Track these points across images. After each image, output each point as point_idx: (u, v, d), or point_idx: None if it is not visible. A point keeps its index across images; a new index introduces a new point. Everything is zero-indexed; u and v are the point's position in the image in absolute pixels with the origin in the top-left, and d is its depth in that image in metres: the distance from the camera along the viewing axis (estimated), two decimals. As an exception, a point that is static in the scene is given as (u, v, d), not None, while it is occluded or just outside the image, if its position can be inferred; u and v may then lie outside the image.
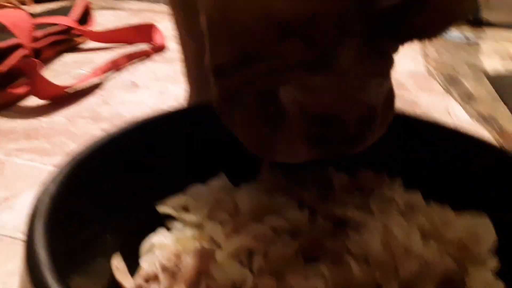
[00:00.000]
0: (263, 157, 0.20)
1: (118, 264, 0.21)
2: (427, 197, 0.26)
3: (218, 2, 0.18)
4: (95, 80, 0.54)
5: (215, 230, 0.23)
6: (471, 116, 0.49)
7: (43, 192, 0.17)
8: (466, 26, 0.96)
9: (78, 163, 0.20)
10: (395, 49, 0.19)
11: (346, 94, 0.17)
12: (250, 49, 0.18)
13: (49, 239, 0.15)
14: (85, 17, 0.72)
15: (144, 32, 0.69)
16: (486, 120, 0.48)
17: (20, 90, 0.47)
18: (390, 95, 0.20)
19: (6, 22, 0.47)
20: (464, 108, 0.51)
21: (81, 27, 0.65)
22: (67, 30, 0.64)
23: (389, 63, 0.19)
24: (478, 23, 0.95)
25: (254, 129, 0.20)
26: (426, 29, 0.17)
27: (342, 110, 0.17)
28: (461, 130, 0.26)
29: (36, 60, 0.48)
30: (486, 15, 0.95)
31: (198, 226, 0.24)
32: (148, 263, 0.21)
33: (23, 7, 0.78)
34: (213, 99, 0.22)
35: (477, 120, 0.48)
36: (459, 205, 0.24)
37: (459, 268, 0.20)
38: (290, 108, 0.18)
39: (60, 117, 0.45)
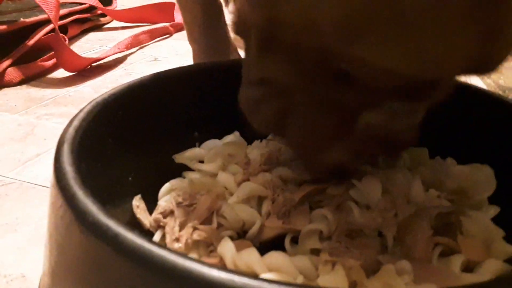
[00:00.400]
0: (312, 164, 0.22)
1: (138, 203, 0.22)
2: (434, 154, 0.26)
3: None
4: (118, 56, 0.56)
5: (227, 179, 0.25)
6: (488, 87, 0.48)
7: (69, 125, 0.19)
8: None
9: (103, 104, 0.21)
10: None
11: (409, 123, 0.20)
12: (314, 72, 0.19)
13: (75, 164, 0.16)
14: (109, -1, 0.74)
15: (165, 10, 0.71)
16: (504, 91, 0.47)
17: (49, 63, 0.50)
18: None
19: (36, -1, 0.49)
20: (482, 80, 0.50)
21: (103, 7, 0.68)
22: (91, 9, 0.67)
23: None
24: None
25: (312, 138, 0.21)
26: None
27: (402, 135, 0.20)
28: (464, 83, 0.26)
29: (63, 35, 0.51)
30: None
31: (212, 176, 0.26)
32: (165, 201, 0.22)
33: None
34: (247, 104, 0.22)
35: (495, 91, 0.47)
36: (466, 159, 0.25)
37: (457, 212, 0.20)
38: (365, 129, 0.20)
39: (86, 87, 0.48)
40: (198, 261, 0.11)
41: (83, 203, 0.13)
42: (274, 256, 0.18)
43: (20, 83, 0.47)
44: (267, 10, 0.17)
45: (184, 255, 0.12)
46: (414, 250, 0.17)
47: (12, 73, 0.46)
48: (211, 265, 0.11)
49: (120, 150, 0.23)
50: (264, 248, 0.20)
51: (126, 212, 0.23)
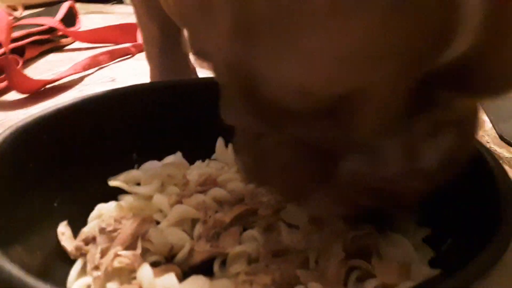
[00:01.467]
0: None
1: (63, 230, 0.22)
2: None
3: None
4: (75, 77, 0.56)
5: (161, 200, 0.24)
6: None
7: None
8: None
9: (24, 128, 0.21)
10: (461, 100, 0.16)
11: (405, 167, 0.15)
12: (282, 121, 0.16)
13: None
14: (72, 20, 0.74)
15: (128, 31, 0.70)
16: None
17: (0, 85, 0.49)
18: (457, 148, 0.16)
19: (-15, 20, 0.48)
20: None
21: (64, 28, 0.67)
22: (51, 30, 0.66)
23: (456, 112, 0.16)
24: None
25: (294, 181, 0.18)
26: (492, 84, 0.14)
27: (401, 184, 0.16)
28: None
29: (14, 56, 0.50)
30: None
31: (148, 199, 0.25)
32: (89, 227, 0.22)
33: (14, 12, 0.80)
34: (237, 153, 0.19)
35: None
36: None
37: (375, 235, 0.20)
38: (347, 177, 0.16)
39: (37, 109, 0.46)
40: None
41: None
42: (194, 281, 0.18)
43: None
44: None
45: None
46: (327, 273, 0.17)
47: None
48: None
49: (42, 175, 0.22)
50: (194, 272, 0.20)
51: (53, 240, 0.22)
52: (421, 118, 0.15)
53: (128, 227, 0.21)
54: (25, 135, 0.21)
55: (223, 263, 0.21)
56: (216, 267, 0.21)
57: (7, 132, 0.21)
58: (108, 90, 0.28)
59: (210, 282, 0.18)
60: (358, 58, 0.12)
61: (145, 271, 0.18)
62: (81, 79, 0.56)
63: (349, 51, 0.12)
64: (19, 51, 0.57)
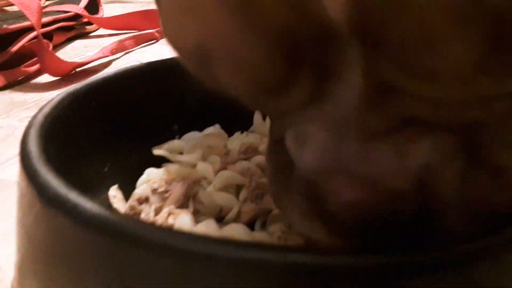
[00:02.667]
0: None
1: (115, 193, 0.22)
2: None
3: None
4: (103, 61, 0.57)
5: (206, 168, 0.25)
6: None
7: (38, 112, 0.19)
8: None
9: (75, 93, 0.21)
10: None
11: (335, 162, 0.11)
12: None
13: (41, 147, 0.16)
14: (95, 8, 0.75)
15: (151, 17, 0.71)
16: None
17: (33, 68, 0.50)
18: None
19: (18, 4, 0.49)
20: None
21: (88, 15, 0.68)
22: (76, 17, 0.67)
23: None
24: None
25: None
26: None
27: (327, 183, 0.11)
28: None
29: (46, 40, 0.51)
30: None
31: (192, 167, 0.26)
32: (141, 189, 0.22)
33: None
34: None
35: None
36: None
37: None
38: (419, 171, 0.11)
39: (69, 91, 0.47)
40: (157, 227, 0.11)
41: (44, 178, 0.13)
42: (234, 228, 0.18)
43: (3, 88, 0.47)
44: None
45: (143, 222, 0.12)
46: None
47: (-5, 78, 0.46)
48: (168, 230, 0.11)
49: (94, 140, 0.22)
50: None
51: (104, 203, 0.23)
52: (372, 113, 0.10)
53: (179, 187, 0.21)
54: (76, 101, 0.22)
55: (264, 225, 0.21)
56: (257, 226, 0.21)
57: (58, 97, 0.21)
58: (151, 62, 0.28)
59: (249, 231, 0.18)
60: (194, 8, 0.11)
61: (184, 218, 0.18)
62: (109, 63, 0.57)
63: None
64: (47, 37, 0.58)
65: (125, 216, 0.11)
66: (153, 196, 0.21)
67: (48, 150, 0.16)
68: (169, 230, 0.11)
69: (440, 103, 0.10)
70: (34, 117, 0.18)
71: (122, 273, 0.11)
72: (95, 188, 0.23)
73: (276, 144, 0.13)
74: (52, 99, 0.21)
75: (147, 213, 0.20)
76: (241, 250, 0.10)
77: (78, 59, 0.57)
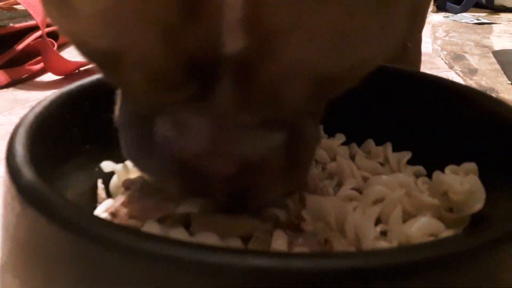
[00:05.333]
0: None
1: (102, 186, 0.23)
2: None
3: None
4: (106, 60, 0.57)
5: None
6: (471, 88, 0.49)
7: (29, 111, 0.19)
8: (480, 10, 0.94)
9: (68, 93, 0.22)
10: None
11: (214, 145, 0.14)
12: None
13: (28, 146, 0.17)
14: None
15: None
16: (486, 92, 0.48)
17: (37, 66, 0.51)
18: (295, 150, 0.16)
19: (24, 3, 0.50)
20: (465, 82, 0.51)
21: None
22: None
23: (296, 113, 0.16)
24: (491, 8, 0.94)
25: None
26: None
27: (207, 164, 0.15)
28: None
29: (51, 39, 0.51)
30: (501, 1, 0.93)
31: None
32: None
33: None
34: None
35: (477, 92, 0.48)
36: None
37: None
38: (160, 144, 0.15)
39: (71, 90, 0.48)
40: (128, 230, 0.11)
41: (25, 177, 0.14)
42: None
43: (7, 86, 0.47)
44: None
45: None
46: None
47: (-1, 76, 0.47)
48: (141, 234, 0.11)
49: (86, 140, 0.23)
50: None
51: (91, 203, 0.23)
52: (251, 107, 0.14)
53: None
54: (68, 101, 0.22)
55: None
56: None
57: (51, 97, 0.22)
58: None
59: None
60: (113, 18, 0.12)
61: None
62: (112, 63, 0.58)
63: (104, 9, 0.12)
64: (52, 36, 0.59)
65: (98, 218, 0.12)
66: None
67: (35, 150, 0.17)
68: (138, 233, 0.11)
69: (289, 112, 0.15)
70: (25, 116, 0.19)
71: (92, 274, 0.11)
72: (85, 188, 0.23)
73: (135, 116, 0.17)
74: (45, 98, 0.22)
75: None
76: (205, 254, 0.10)
77: (81, 59, 0.58)
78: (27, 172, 0.14)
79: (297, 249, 0.16)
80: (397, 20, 0.13)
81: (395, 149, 0.26)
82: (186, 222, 0.17)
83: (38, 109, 0.20)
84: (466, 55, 0.60)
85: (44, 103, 0.20)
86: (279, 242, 0.16)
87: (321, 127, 0.27)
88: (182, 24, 0.12)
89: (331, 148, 0.25)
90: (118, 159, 0.25)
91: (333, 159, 0.25)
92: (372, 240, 0.17)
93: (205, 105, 0.14)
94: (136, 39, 0.12)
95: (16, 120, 0.19)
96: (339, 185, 0.23)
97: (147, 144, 0.16)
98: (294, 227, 0.18)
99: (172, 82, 0.13)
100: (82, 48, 0.15)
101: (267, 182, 0.16)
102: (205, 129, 0.14)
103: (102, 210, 0.20)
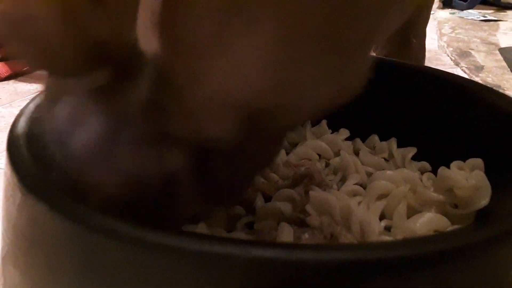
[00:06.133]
0: None
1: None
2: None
3: None
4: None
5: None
6: (477, 85, 0.48)
7: (30, 101, 0.19)
8: (486, 7, 0.93)
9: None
10: None
11: (104, 153, 0.13)
12: None
13: (29, 135, 0.16)
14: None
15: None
16: (492, 89, 0.47)
17: (39, 59, 0.51)
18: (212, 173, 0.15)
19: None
20: (470, 78, 0.50)
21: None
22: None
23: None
24: (498, 6, 0.93)
25: None
26: None
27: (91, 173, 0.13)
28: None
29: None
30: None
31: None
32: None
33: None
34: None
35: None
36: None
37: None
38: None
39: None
40: (128, 220, 0.11)
41: (26, 166, 0.13)
42: None
43: (8, 78, 0.47)
44: None
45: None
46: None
47: (0, 68, 0.47)
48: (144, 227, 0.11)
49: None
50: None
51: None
52: (147, 120, 0.13)
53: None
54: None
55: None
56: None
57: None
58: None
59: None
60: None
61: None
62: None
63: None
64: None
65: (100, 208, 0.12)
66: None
67: (36, 140, 0.17)
68: (139, 224, 0.11)
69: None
70: (26, 106, 0.18)
71: (93, 264, 0.11)
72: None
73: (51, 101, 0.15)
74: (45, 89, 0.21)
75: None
76: (206, 244, 0.10)
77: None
78: (29, 162, 0.14)
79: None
80: (350, 64, 0.12)
81: (400, 145, 0.25)
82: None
83: (38, 99, 0.19)
84: (472, 52, 0.59)
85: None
86: (285, 234, 0.16)
87: (325, 122, 0.27)
88: (84, 4, 0.11)
89: (335, 143, 0.25)
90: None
91: (337, 154, 0.25)
92: (377, 235, 0.17)
93: (112, 100, 0.13)
94: (33, 8, 0.11)
95: (17, 112, 0.18)
96: (343, 180, 0.23)
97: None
98: (299, 222, 0.18)
99: (72, 66, 0.12)
100: None
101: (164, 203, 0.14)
102: (100, 130, 0.13)
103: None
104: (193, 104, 0.12)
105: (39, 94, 0.21)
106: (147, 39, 0.12)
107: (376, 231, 0.17)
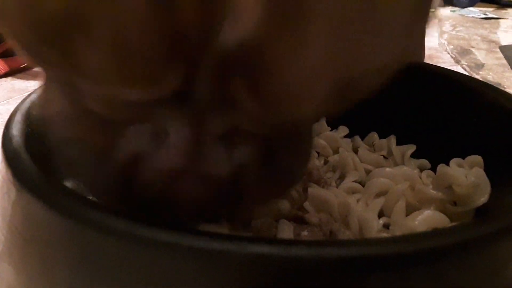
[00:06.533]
0: None
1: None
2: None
3: None
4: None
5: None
6: (477, 82, 0.48)
7: (26, 98, 0.19)
8: (487, 5, 0.93)
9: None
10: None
11: (189, 165, 0.12)
12: None
13: (24, 132, 0.16)
14: None
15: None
16: (492, 86, 0.47)
17: (37, 57, 0.51)
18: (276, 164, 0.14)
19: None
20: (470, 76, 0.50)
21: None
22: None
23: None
24: (498, 3, 0.93)
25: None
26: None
27: (177, 187, 0.12)
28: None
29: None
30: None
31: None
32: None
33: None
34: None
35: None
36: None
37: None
38: (121, 155, 0.13)
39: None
40: (125, 214, 0.11)
41: (21, 162, 0.13)
42: None
43: (5, 75, 0.47)
44: None
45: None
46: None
47: (-2, 65, 0.47)
48: (137, 221, 0.11)
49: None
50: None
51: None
52: (216, 118, 0.12)
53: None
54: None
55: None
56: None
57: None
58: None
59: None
60: None
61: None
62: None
63: None
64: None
65: (95, 204, 0.11)
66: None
67: (31, 136, 0.16)
68: (136, 219, 0.11)
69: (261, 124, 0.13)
70: (22, 102, 0.18)
71: (89, 260, 0.11)
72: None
73: (86, 117, 0.13)
74: (41, 85, 0.21)
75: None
76: (202, 240, 0.10)
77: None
78: (24, 157, 0.14)
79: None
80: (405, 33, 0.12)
81: (399, 142, 0.25)
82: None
83: (34, 95, 0.19)
84: (473, 50, 0.59)
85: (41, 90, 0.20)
86: (286, 231, 0.16)
87: (324, 119, 0.26)
88: None
89: (334, 140, 0.25)
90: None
91: (336, 151, 0.25)
92: (376, 232, 0.17)
93: (182, 108, 0.12)
94: None
95: (12, 108, 0.18)
96: (342, 178, 0.23)
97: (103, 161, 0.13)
98: (297, 219, 0.18)
99: (152, 69, 0.10)
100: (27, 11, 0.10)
101: (237, 199, 0.14)
102: (185, 141, 0.12)
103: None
104: (284, 85, 0.11)
105: (36, 90, 0.20)
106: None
107: (374, 228, 0.17)
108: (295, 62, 0.10)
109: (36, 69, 0.51)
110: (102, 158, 0.13)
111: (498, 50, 0.59)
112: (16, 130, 0.15)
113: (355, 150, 0.25)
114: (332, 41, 0.11)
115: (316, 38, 0.10)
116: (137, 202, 0.13)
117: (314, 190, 0.19)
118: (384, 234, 0.17)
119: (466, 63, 0.55)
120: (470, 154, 0.21)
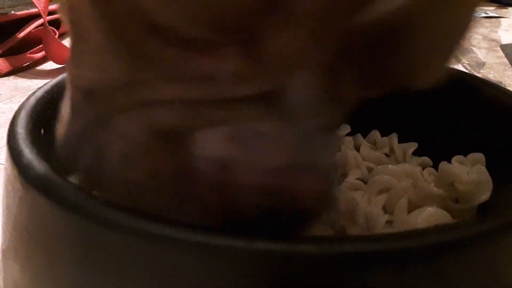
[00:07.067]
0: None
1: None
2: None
3: None
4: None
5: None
6: (478, 81, 0.48)
7: (31, 95, 0.19)
8: (488, 4, 0.93)
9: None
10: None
11: (299, 159, 0.11)
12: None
13: (29, 129, 0.16)
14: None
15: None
16: (493, 85, 0.47)
17: (38, 55, 0.51)
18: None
19: (26, -9, 0.50)
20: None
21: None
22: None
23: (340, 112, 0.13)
24: (499, 2, 0.93)
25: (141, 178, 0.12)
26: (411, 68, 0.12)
27: (295, 183, 0.11)
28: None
29: (52, 28, 0.51)
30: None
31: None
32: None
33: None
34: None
35: (484, 85, 0.47)
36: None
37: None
38: (205, 168, 0.11)
39: (73, 79, 0.48)
40: (131, 211, 0.11)
41: (27, 159, 0.13)
42: None
43: (8, 74, 0.47)
44: None
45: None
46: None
47: (0, 64, 0.47)
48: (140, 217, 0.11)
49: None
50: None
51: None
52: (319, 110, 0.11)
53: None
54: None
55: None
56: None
57: (52, 82, 0.21)
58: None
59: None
60: None
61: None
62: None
63: None
64: (54, 24, 0.59)
65: (100, 199, 0.11)
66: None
67: (36, 133, 0.16)
68: (141, 214, 0.11)
69: None
70: (26, 100, 0.18)
71: (94, 256, 0.11)
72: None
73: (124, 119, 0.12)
74: (46, 83, 0.21)
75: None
76: (208, 236, 0.10)
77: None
78: (29, 154, 0.14)
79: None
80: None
81: (401, 140, 0.25)
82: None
83: (39, 93, 0.19)
84: (474, 49, 0.59)
85: (46, 87, 0.20)
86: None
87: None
88: None
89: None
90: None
91: (338, 149, 0.25)
92: (382, 227, 0.17)
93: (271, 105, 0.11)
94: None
95: (16, 107, 0.18)
96: (344, 175, 0.23)
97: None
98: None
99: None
100: None
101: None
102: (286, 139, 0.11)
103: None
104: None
105: (40, 87, 0.20)
106: None
107: (381, 223, 0.17)
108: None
109: (38, 68, 0.51)
110: (179, 184, 0.11)
111: (499, 48, 0.59)
112: (21, 128, 0.16)
113: (357, 148, 0.25)
114: None
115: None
116: (241, 214, 0.11)
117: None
118: (390, 230, 0.18)
119: (467, 62, 0.55)
120: (472, 152, 0.22)
